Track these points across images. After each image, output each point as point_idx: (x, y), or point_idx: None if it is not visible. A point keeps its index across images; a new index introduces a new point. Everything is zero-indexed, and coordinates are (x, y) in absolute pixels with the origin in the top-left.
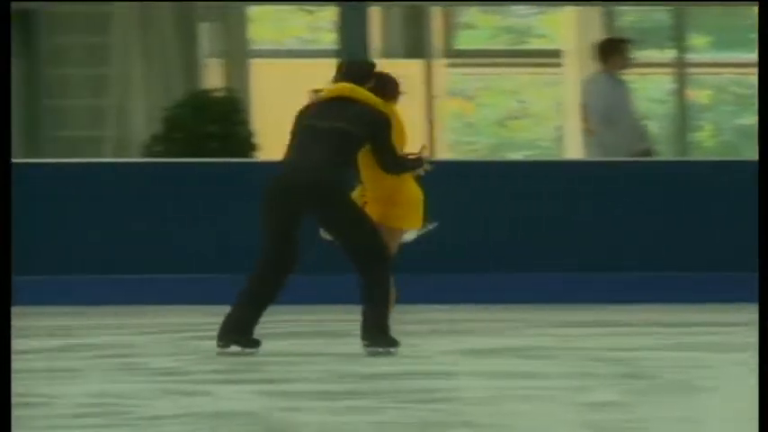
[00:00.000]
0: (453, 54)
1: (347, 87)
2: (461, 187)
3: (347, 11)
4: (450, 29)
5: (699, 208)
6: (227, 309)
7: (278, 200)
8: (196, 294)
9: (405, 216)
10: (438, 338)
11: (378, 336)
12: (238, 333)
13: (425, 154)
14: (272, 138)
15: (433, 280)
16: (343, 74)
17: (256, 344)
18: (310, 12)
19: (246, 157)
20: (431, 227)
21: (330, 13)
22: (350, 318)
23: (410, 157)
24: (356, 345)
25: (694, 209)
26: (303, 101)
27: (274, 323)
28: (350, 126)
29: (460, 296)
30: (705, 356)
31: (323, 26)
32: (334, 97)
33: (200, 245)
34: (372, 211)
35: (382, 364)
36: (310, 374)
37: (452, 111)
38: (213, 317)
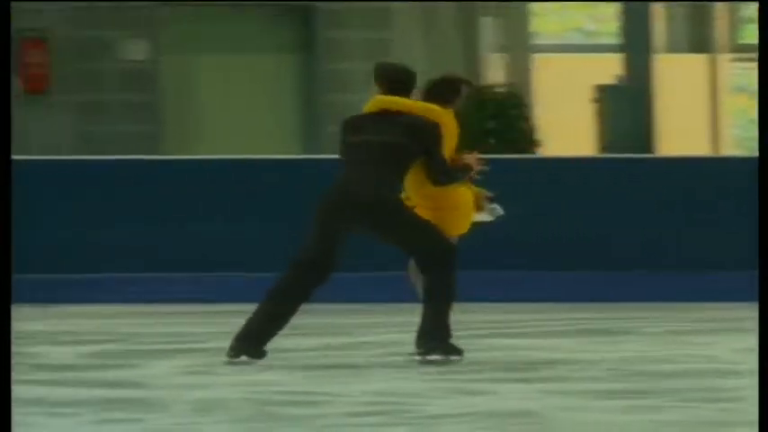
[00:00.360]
0: (737, 49)
1: (392, 101)
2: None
3: (630, 6)
4: (734, 24)
5: None
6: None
7: (335, 216)
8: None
9: (451, 221)
10: (722, 336)
11: (432, 343)
12: (251, 344)
13: (473, 159)
14: (553, 134)
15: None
16: (387, 87)
17: (263, 355)
18: (594, 5)
19: (526, 153)
20: (498, 213)
21: (613, 8)
22: (628, 315)
23: (461, 163)
24: (636, 343)
25: None
26: (585, 96)
27: (557, 321)
28: (403, 139)
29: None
30: None
31: (605, 18)
32: (381, 110)
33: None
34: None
35: (664, 362)
36: (592, 373)
37: (736, 107)
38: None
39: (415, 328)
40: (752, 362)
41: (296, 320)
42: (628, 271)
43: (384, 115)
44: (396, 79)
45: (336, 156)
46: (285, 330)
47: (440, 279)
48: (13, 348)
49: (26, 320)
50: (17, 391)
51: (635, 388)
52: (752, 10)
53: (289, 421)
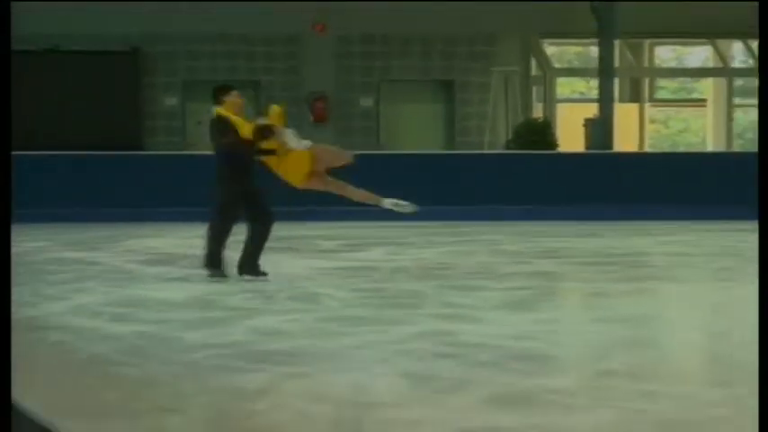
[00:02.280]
0: (654, 101)
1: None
2: None
3: (603, 81)
4: (653, 86)
5: None
6: None
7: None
8: None
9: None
10: None
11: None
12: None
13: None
14: (565, 142)
15: None
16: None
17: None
18: (586, 79)
19: (552, 149)
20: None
21: (595, 81)
22: None
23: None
24: None
25: None
26: (580, 123)
27: None
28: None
29: None
30: None
31: (592, 86)
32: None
33: None
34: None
35: None
36: None
37: (654, 128)
38: None
39: None
40: None
41: None
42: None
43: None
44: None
45: None
46: None
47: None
48: None
49: None
50: None
51: None
52: (665, 82)
53: None
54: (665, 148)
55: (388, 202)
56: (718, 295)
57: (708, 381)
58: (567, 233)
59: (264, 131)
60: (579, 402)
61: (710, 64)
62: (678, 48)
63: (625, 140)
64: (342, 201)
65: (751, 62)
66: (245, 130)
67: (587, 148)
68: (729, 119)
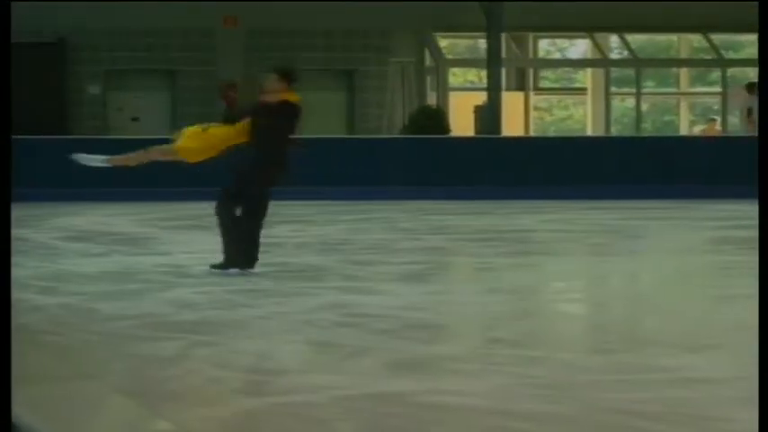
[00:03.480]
0: (537, 89)
1: None
2: None
3: (492, 70)
4: (537, 75)
5: None
6: None
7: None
8: None
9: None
10: None
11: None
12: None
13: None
14: (456, 126)
15: None
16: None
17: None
18: (477, 70)
19: (446, 134)
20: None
21: (484, 71)
22: None
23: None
24: None
25: None
26: (470, 110)
27: None
28: None
29: None
30: None
31: (481, 76)
32: None
33: None
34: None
35: None
36: None
37: (537, 116)
38: None
39: None
40: None
41: None
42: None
43: None
44: None
45: None
46: None
47: None
48: None
49: None
50: None
51: None
52: (551, 72)
53: None
54: (549, 132)
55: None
56: (596, 268)
57: (588, 348)
58: (458, 211)
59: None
60: (470, 368)
61: (590, 55)
62: (559, 41)
63: (512, 126)
64: None
65: (626, 53)
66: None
67: (477, 132)
68: (607, 106)
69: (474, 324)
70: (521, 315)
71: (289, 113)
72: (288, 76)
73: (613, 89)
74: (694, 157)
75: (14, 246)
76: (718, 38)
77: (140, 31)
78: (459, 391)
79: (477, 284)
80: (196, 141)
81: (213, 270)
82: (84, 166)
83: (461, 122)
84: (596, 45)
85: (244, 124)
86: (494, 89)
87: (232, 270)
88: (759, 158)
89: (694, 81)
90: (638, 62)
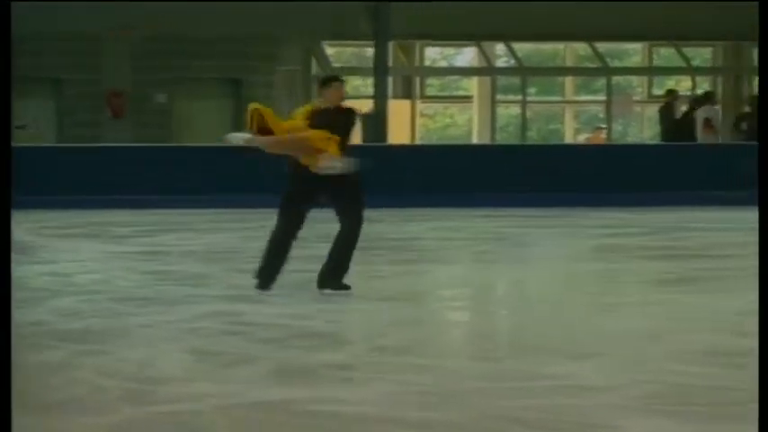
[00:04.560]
0: (424, 97)
1: None
2: None
3: (378, 79)
4: (423, 85)
5: None
6: None
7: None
8: None
9: None
10: None
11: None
12: None
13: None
14: None
15: None
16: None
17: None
18: (363, 78)
19: None
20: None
21: (371, 80)
22: None
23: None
24: None
25: None
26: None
27: None
28: None
29: None
30: None
31: (368, 83)
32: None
33: None
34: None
35: None
36: None
37: (423, 123)
38: None
39: None
40: None
41: None
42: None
43: None
44: None
45: None
46: None
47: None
48: None
49: None
50: None
51: None
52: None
53: None
54: (434, 140)
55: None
56: (483, 276)
57: (475, 355)
58: None
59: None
60: (356, 376)
61: (476, 64)
62: (446, 49)
63: (398, 134)
64: (141, 190)
65: (512, 62)
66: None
67: (363, 140)
68: (493, 114)
69: (361, 332)
70: (408, 323)
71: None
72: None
73: (499, 97)
74: (580, 165)
75: None
76: (603, 46)
77: (26, 36)
78: (346, 400)
79: (364, 292)
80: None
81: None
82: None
83: None
84: (483, 53)
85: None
86: (380, 97)
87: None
88: (759, 160)
89: (579, 89)
90: (523, 70)
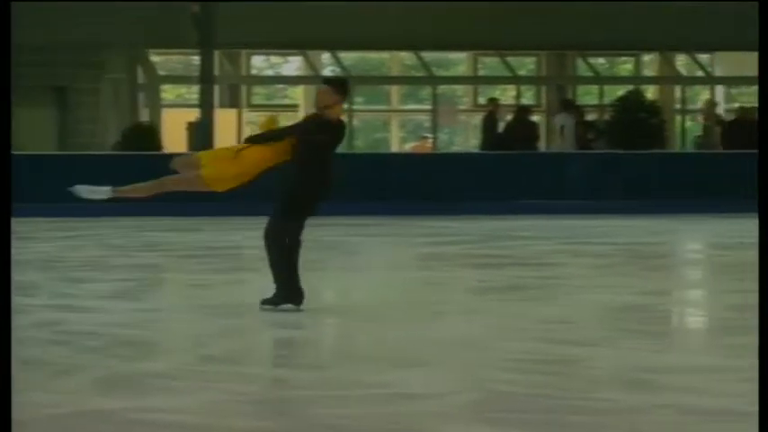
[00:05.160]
0: (250, 106)
1: None
2: None
3: (203, 86)
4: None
5: None
6: None
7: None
8: None
9: None
10: None
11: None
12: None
13: None
14: (173, 138)
15: None
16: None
17: None
18: (187, 86)
19: (152, 150)
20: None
21: (196, 87)
22: None
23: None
24: None
25: None
26: (183, 126)
27: None
28: None
29: None
30: None
31: (192, 90)
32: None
33: None
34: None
35: None
36: None
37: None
38: None
39: None
40: None
41: None
42: None
43: None
44: None
45: None
46: None
47: None
48: None
49: None
50: None
51: None
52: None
53: None
54: None
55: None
56: (310, 284)
57: (300, 364)
58: (171, 227)
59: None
60: (182, 385)
61: (302, 72)
62: (273, 58)
63: (225, 142)
64: None
65: (339, 70)
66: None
67: (190, 149)
68: None
69: (186, 341)
70: (233, 332)
71: (343, 131)
72: (343, 88)
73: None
74: (406, 173)
75: None
76: (429, 56)
77: None
78: (171, 408)
79: (189, 301)
80: (227, 167)
81: (265, 307)
82: (84, 200)
83: (174, 139)
84: (309, 62)
85: (285, 143)
86: (206, 106)
87: (285, 306)
88: (759, 162)
89: (406, 98)
90: (350, 79)
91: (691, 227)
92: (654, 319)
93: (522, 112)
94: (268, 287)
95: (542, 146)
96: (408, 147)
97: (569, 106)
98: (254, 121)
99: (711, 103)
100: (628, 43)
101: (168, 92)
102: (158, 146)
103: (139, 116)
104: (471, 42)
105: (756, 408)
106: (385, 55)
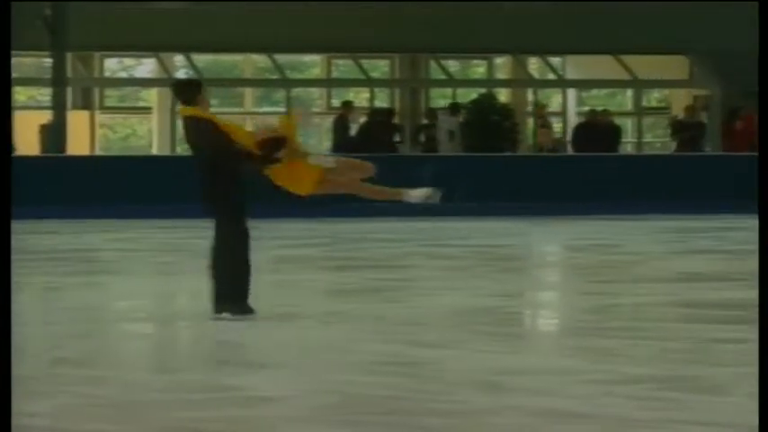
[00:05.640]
0: (104, 108)
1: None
2: None
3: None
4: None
5: None
6: None
7: None
8: None
9: None
10: None
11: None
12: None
13: None
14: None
15: None
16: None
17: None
18: (35, 88)
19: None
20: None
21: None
22: None
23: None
24: None
25: None
26: (35, 128)
27: None
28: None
29: None
30: None
31: (43, 93)
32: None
33: None
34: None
35: None
36: None
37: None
38: None
39: None
40: None
41: None
42: None
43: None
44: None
45: None
46: None
47: None
48: None
49: None
50: None
51: None
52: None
53: None
54: (115, 151)
55: (415, 195)
56: (163, 287)
57: (153, 367)
58: (24, 231)
59: (276, 145)
60: (35, 389)
61: (156, 75)
62: (126, 60)
63: (78, 145)
64: None
65: (192, 73)
66: (248, 141)
67: (42, 152)
68: (173, 125)
69: (38, 344)
70: (85, 335)
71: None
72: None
73: (179, 108)
74: (261, 175)
75: None
76: (282, 58)
77: None
78: (24, 412)
79: (42, 304)
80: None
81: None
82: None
83: (26, 142)
84: (162, 65)
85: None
86: (59, 108)
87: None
88: (759, 163)
89: (260, 101)
90: (203, 81)
91: (542, 229)
92: (506, 321)
93: (380, 114)
94: (124, 290)
95: (406, 149)
96: None
97: (456, 111)
98: (107, 124)
99: (542, 106)
100: (480, 46)
101: (20, 93)
102: (10, 148)
103: None
104: (325, 45)
105: (601, 410)
106: (238, 57)
